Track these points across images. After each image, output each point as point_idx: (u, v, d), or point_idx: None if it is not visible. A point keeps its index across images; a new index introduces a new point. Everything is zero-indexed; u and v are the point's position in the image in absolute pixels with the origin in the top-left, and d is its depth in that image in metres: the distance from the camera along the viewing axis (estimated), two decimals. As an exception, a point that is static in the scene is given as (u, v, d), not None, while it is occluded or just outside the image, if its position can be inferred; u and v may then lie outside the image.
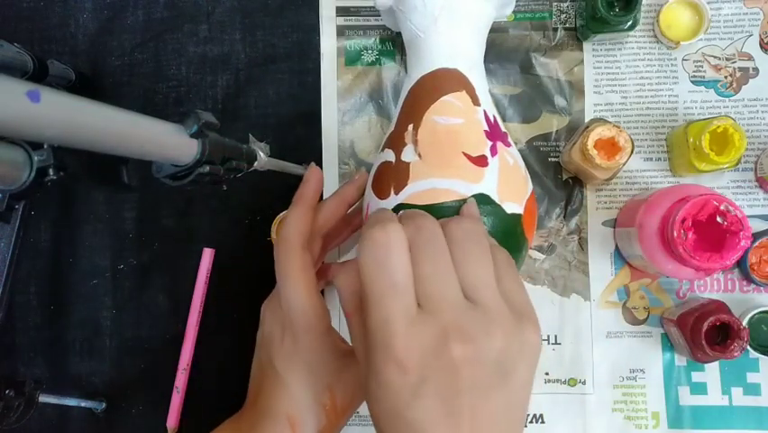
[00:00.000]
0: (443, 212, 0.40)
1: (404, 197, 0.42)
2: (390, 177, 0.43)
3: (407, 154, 0.43)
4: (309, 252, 0.43)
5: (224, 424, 0.43)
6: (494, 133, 0.43)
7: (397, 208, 0.42)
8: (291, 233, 0.42)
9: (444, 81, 0.44)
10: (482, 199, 0.41)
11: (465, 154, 0.41)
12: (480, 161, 0.42)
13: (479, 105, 0.44)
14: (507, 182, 0.42)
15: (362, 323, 0.33)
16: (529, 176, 0.46)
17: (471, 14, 0.45)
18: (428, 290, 0.32)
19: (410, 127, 0.43)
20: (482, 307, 0.32)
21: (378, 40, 0.55)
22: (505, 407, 0.32)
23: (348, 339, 0.44)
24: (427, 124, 0.43)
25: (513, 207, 0.42)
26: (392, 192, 0.42)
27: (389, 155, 0.44)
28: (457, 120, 0.43)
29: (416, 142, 0.43)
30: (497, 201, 0.41)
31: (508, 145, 0.44)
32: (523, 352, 0.32)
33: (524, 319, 0.33)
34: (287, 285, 0.41)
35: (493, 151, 0.42)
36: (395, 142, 0.44)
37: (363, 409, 0.52)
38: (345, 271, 0.35)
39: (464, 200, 0.40)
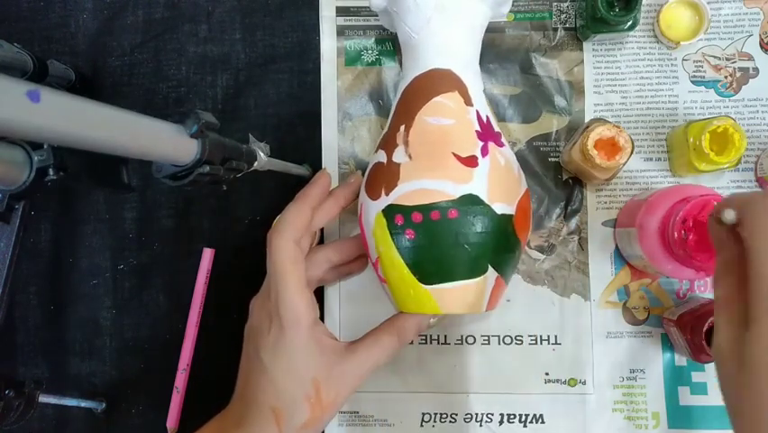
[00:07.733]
0: (432, 212, 0.40)
1: (394, 197, 0.42)
2: (382, 178, 0.43)
3: (398, 155, 0.43)
4: (300, 248, 0.44)
5: (213, 419, 0.44)
6: (486, 134, 0.43)
7: (387, 209, 0.42)
8: (287, 226, 0.43)
9: (437, 82, 0.44)
10: (471, 200, 0.41)
11: (455, 155, 0.42)
12: (470, 162, 0.42)
13: (471, 105, 0.44)
14: (498, 183, 0.42)
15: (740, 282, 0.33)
16: (523, 176, 0.46)
17: (465, 14, 0.44)
18: None
19: (402, 128, 0.43)
20: None
21: (378, 40, 0.55)
22: None
23: (337, 336, 0.45)
24: (418, 125, 0.43)
25: (503, 207, 0.42)
26: (383, 193, 0.43)
27: (382, 156, 0.44)
28: (448, 121, 0.43)
29: (406, 143, 0.43)
30: (486, 202, 0.41)
31: (501, 145, 0.44)
32: None
33: None
34: (276, 276, 0.42)
35: (484, 151, 0.42)
36: (387, 143, 0.44)
37: (364, 408, 0.53)
38: None
39: (453, 201, 0.41)
